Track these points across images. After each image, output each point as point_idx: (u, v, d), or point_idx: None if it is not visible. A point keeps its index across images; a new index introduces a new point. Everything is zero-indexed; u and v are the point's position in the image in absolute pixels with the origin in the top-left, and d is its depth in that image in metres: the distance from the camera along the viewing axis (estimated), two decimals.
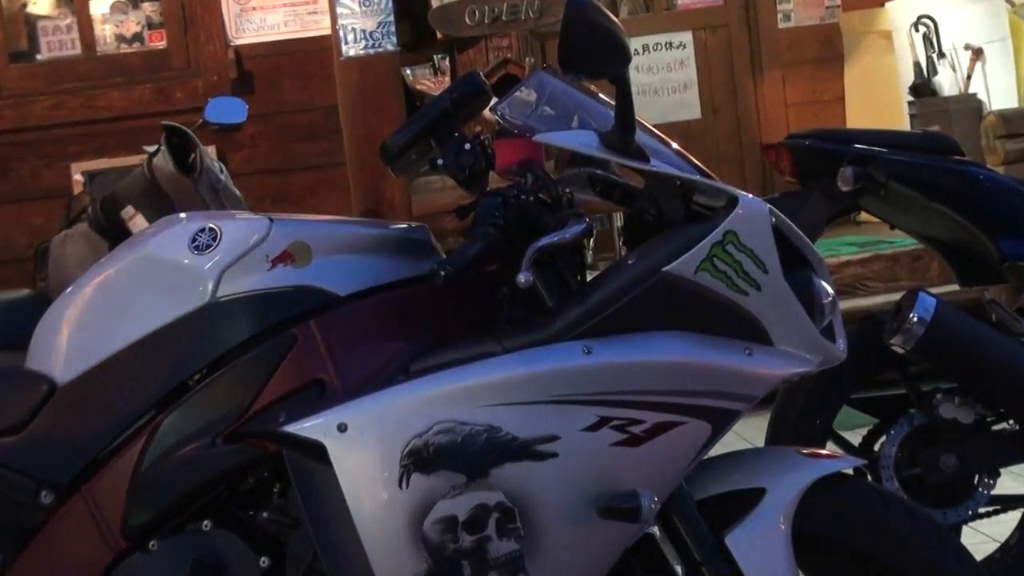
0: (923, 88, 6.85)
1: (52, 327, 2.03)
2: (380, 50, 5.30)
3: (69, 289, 2.05)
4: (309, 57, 6.42)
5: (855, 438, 3.07)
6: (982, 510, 2.94)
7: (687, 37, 7.54)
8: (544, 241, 1.87)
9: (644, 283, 1.87)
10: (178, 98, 6.37)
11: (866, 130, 3.54)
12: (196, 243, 1.96)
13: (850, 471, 2.08)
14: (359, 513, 1.83)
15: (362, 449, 1.83)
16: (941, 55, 6.85)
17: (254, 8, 6.51)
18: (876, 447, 3.00)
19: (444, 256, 1.96)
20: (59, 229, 4.43)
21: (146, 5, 6.63)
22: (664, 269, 1.87)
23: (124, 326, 1.97)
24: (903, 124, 6.84)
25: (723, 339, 1.89)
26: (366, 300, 1.96)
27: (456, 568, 1.84)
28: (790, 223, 1.95)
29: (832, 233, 5.85)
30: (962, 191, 2.97)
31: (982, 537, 3.25)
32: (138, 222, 4.08)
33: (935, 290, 2.88)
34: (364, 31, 5.28)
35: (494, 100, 2.04)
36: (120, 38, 6.63)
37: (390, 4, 5.34)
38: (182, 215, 2.08)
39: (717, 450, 1.96)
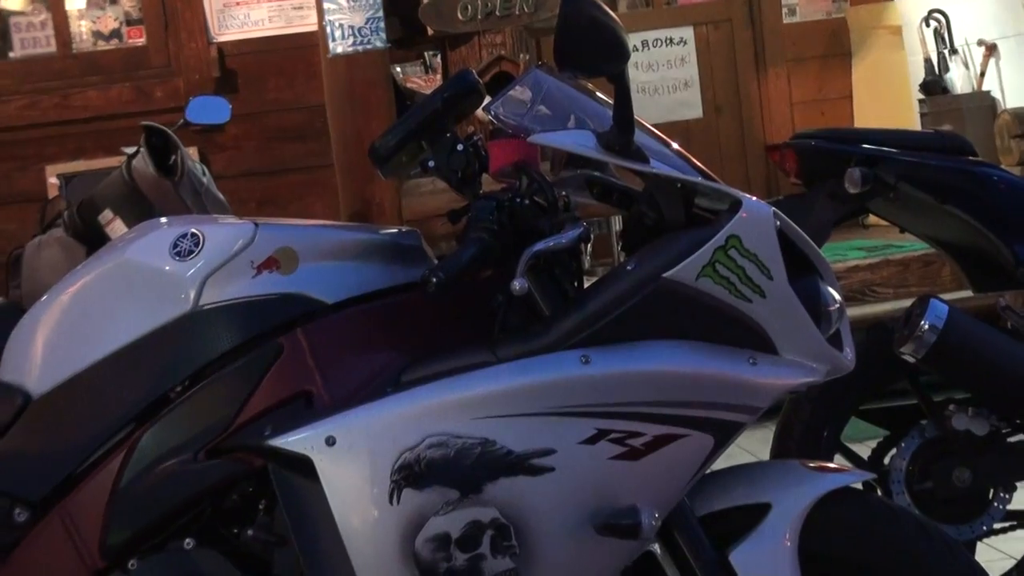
0: (934, 85, 6.87)
1: (26, 337, 2.02)
2: (369, 47, 5.30)
3: (44, 297, 2.05)
4: (295, 54, 6.43)
5: (864, 451, 3.08)
6: (997, 526, 2.94)
7: (688, 33, 7.56)
8: (540, 246, 1.88)
9: (644, 290, 1.87)
10: (158, 97, 6.37)
11: (875, 130, 3.55)
12: (177, 249, 1.96)
13: (859, 485, 2.08)
14: (348, 530, 1.83)
15: (351, 463, 1.83)
16: (953, 51, 6.87)
17: (237, 3, 6.52)
18: (886, 460, 3.00)
19: (436, 262, 1.96)
20: (33, 235, 4.42)
21: (124, 0, 6.64)
22: (664, 275, 1.87)
23: (102, 336, 1.97)
24: (913, 123, 6.85)
25: (726, 348, 1.89)
26: (355, 308, 1.96)
27: None
28: (795, 227, 1.95)
29: (839, 237, 5.87)
30: (975, 193, 2.97)
31: (997, 554, 3.26)
32: (116, 227, 4.09)
33: (947, 296, 2.88)
34: (352, 27, 5.28)
35: (487, 99, 2.05)
36: (97, 35, 6.63)
37: None
38: (163, 220, 2.08)
39: (720, 464, 1.97)
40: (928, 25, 6.95)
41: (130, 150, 4.26)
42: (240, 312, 1.94)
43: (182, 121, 4.41)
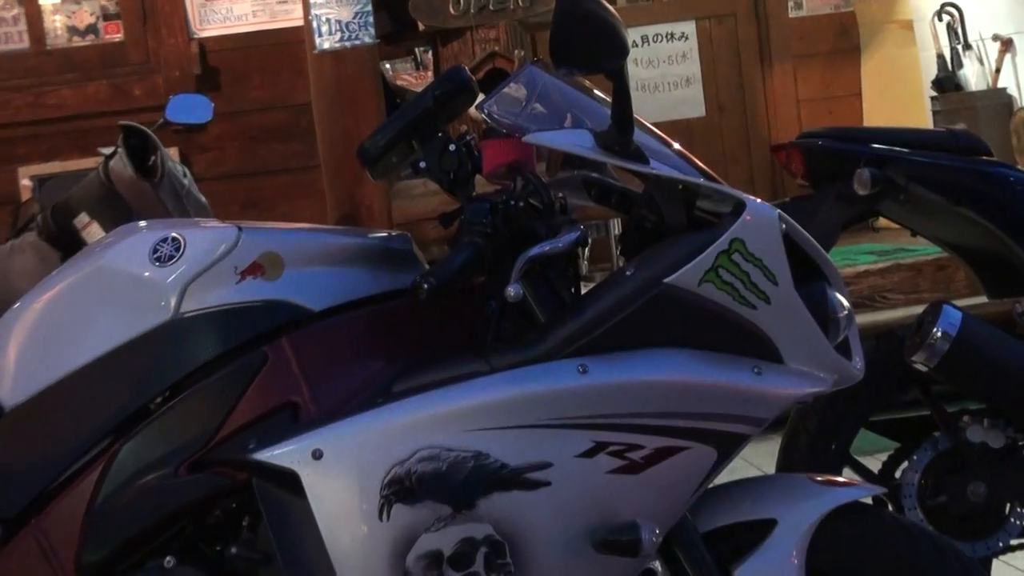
0: (947, 82, 6.89)
1: None
2: (357, 42, 5.30)
3: (17, 305, 2.05)
4: (279, 50, 6.43)
5: (874, 464, 3.08)
6: (1014, 542, 2.94)
7: (690, 27, 7.57)
8: (535, 251, 1.88)
9: (644, 296, 1.88)
10: (137, 96, 6.37)
11: (885, 128, 3.56)
12: (157, 254, 1.96)
13: (869, 500, 2.08)
14: (335, 548, 1.84)
15: (339, 478, 1.83)
16: (967, 46, 6.89)
17: None
18: (897, 474, 3.01)
19: (427, 267, 1.96)
20: (5, 239, 4.42)
21: None
22: (665, 281, 1.87)
23: (78, 345, 1.97)
24: (925, 122, 6.87)
25: (729, 357, 1.90)
26: (343, 316, 1.97)
27: None
28: (802, 230, 1.96)
29: (848, 241, 5.88)
30: (990, 194, 2.98)
31: (1014, 571, 3.26)
32: (93, 231, 4.09)
33: (961, 302, 2.88)
34: (339, 22, 5.28)
35: (481, 97, 2.05)
36: (72, 30, 6.64)
37: None
38: (142, 223, 2.08)
39: (724, 477, 1.97)
40: (941, 19, 6.96)
41: (107, 151, 4.26)
42: (223, 320, 1.94)
43: (162, 120, 4.41)
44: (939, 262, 5.67)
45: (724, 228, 1.89)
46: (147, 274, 1.96)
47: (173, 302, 1.94)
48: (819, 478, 2.07)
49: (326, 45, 5.27)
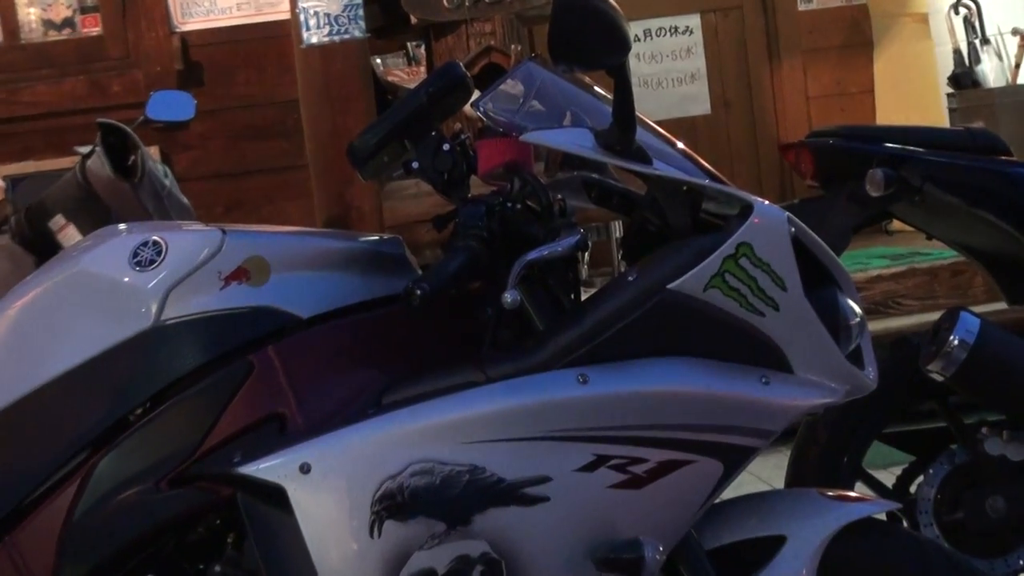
0: (964, 78, 6.89)
1: None
2: (346, 37, 5.31)
3: None
4: (265, 45, 6.44)
5: (888, 478, 3.09)
6: None
7: (695, 21, 7.58)
8: (533, 255, 1.88)
9: (646, 303, 1.88)
10: (115, 92, 6.38)
11: (899, 127, 3.55)
12: (138, 258, 1.96)
13: (882, 516, 2.09)
14: (324, 566, 1.83)
15: (328, 493, 1.83)
16: (985, 41, 6.89)
17: None
18: (912, 488, 3.01)
19: (420, 273, 1.96)
20: None
21: None
22: (669, 286, 1.87)
23: (54, 353, 1.97)
24: (941, 120, 6.87)
25: (736, 366, 1.90)
26: (331, 323, 1.97)
27: None
28: (812, 234, 1.96)
29: (860, 244, 5.88)
30: (1009, 195, 2.98)
31: None
32: (69, 234, 4.09)
33: (978, 309, 2.89)
34: (328, 15, 5.29)
35: (476, 94, 2.06)
36: (48, 24, 6.64)
37: None
38: (121, 226, 2.08)
39: (730, 492, 1.97)
40: (957, 12, 6.97)
41: (84, 149, 4.27)
42: (206, 327, 1.94)
43: (142, 118, 4.41)
44: (956, 266, 5.68)
45: (730, 231, 1.89)
46: (127, 279, 1.95)
47: (154, 309, 1.94)
48: (830, 493, 2.07)
49: (314, 39, 5.28)
